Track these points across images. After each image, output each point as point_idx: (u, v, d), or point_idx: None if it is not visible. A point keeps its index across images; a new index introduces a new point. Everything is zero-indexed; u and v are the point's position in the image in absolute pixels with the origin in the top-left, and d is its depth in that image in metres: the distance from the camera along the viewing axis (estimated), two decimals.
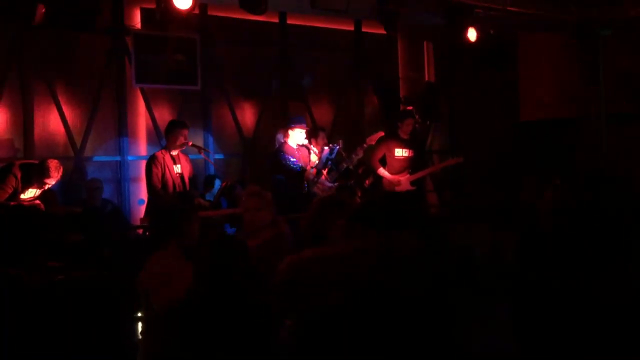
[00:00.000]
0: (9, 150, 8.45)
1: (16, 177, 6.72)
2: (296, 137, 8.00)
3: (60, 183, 8.30)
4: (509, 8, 9.35)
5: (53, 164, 6.79)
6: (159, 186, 7.33)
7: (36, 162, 7.06)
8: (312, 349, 3.00)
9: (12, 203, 6.74)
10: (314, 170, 8.09)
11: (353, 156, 8.49)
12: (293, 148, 7.99)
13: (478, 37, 9.39)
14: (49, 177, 6.77)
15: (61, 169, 6.88)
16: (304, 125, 8.16)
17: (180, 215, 4.13)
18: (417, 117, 10.66)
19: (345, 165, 8.42)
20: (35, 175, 6.79)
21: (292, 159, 7.87)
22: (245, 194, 5.00)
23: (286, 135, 8.01)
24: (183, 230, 4.08)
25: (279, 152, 7.97)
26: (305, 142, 8.12)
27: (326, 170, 8.35)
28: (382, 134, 8.80)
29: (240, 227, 7.60)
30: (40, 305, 3.14)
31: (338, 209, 3.81)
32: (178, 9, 7.09)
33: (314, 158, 8.31)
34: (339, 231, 3.50)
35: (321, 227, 3.79)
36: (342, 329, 2.85)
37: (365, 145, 8.72)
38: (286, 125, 8.16)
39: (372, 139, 8.70)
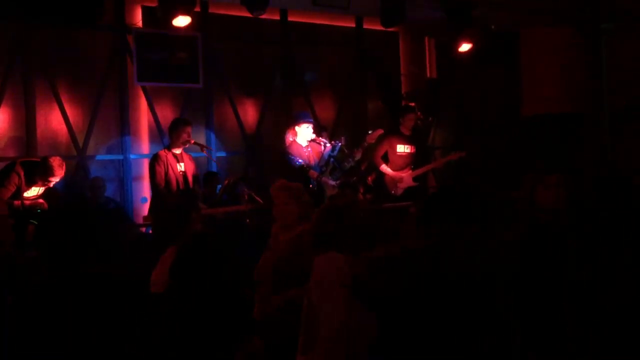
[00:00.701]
0: (12, 149, 8.45)
1: (19, 176, 6.71)
2: (304, 133, 7.95)
3: (63, 182, 8.33)
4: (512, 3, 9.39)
5: (56, 161, 6.77)
6: (162, 185, 7.33)
7: (38, 160, 7.05)
8: None
9: (16, 202, 6.74)
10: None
11: (354, 155, 8.48)
12: (301, 146, 7.93)
13: (475, 41, 9.44)
14: (53, 175, 6.76)
15: (64, 165, 6.87)
16: (310, 120, 8.12)
17: (183, 218, 4.09)
18: (419, 113, 10.66)
19: (347, 165, 8.40)
20: (38, 174, 6.78)
21: (296, 159, 7.82)
22: (273, 188, 4.97)
23: (294, 134, 7.95)
24: (186, 232, 4.05)
25: (284, 153, 7.91)
26: (314, 136, 8.06)
27: (329, 168, 8.33)
28: (381, 131, 8.78)
29: (246, 224, 7.66)
30: (44, 302, 3.12)
31: (328, 216, 3.83)
32: (177, 26, 7.88)
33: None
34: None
35: (321, 234, 3.82)
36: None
37: (365, 143, 8.72)
38: (292, 123, 8.09)
39: (372, 137, 8.69)
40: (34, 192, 6.87)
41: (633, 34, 10.11)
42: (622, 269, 2.92)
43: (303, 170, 7.78)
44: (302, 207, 4.74)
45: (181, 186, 7.43)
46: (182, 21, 7.95)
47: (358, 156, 8.59)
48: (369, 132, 8.79)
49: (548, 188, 3.84)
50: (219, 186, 8.79)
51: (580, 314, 2.87)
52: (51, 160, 6.75)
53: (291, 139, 7.93)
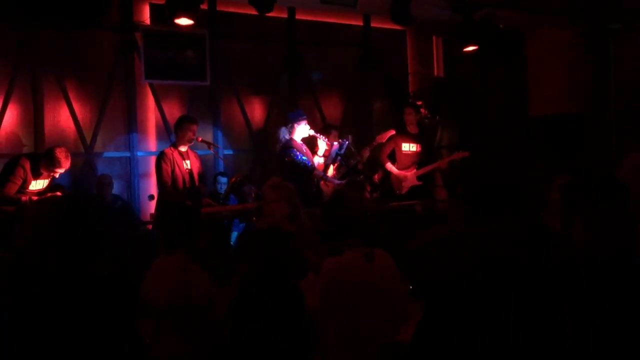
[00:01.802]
0: (20, 147, 8.49)
1: (24, 169, 6.71)
2: (302, 130, 7.95)
3: (70, 179, 8.37)
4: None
5: (62, 152, 6.77)
6: (169, 183, 7.34)
7: (41, 153, 7.07)
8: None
9: (23, 198, 6.74)
10: (320, 166, 8.06)
11: (363, 154, 8.46)
12: (299, 143, 7.95)
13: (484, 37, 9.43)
14: (59, 165, 6.76)
15: (69, 156, 6.88)
16: (306, 117, 8.12)
17: (192, 220, 4.07)
18: (426, 112, 10.65)
19: (353, 162, 8.39)
20: (44, 165, 6.78)
21: (301, 155, 7.82)
22: (265, 186, 4.97)
23: (292, 132, 7.94)
24: (193, 235, 4.04)
25: (287, 148, 7.89)
26: (311, 132, 8.04)
27: (335, 165, 8.32)
28: (392, 132, 8.77)
29: (251, 222, 7.67)
30: (45, 300, 3.12)
31: (334, 206, 3.89)
32: (181, 25, 8.06)
33: (322, 145, 8.27)
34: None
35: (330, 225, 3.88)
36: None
37: (374, 143, 8.68)
38: (290, 122, 8.04)
39: (383, 137, 8.67)
40: (39, 185, 6.87)
41: (635, 33, 10.09)
42: (623, 269, 2.92)
43: (307, 170, 7.77)
44: (292, 208, 4.74)
45: (187, 184, 7.44)
46: (185, 21, 8.07)
47: (367, 155, 8.58)
48: (381, 133, 8.78)
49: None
50: (224, 183, 8.82)
51: (580, 314, 2.87)
52: (57, 151, 6.76)
53: (288, 137, 7.89)
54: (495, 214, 3.03)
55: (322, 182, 8.05)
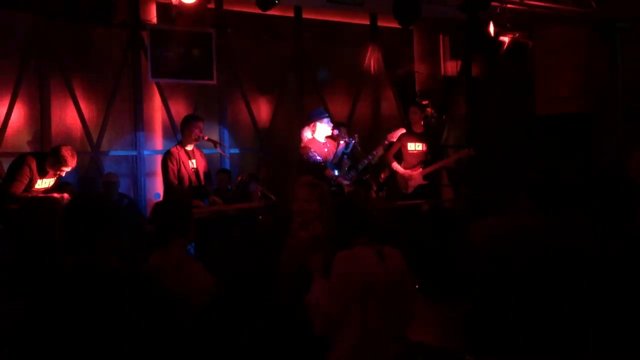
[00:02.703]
0: (27, 145, 8.52)
1: (30, 168, 6.70)
2: (324, 129, 7.93)
3: (77, 177, 8.39)
4: (526, 1, 9.32)
5: (68, 151, 6.77)
6: (176, 182, 7.35)
7: (46, 152, 7.08)
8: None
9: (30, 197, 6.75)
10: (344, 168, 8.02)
11: (374, 153, 8.45)
12: (320, 142, 7.92)
13: (496, 32, 9.37)
14: (65, 164, 6.76)
15: (76, 155, 6.87)
16: (327, 116, 8.12)
17: (182, 214, 4.06)
18: (432, 111, 10.63)
19: (366, 162, 8.35)
20: (50, 163, 6.78)
21: (316, 155, 7.81)
22: (297, 184, 4.98)
23: (313, 131, 7.93)
24: (189, 227, 4.04)
25: (304, 148, 7.89)
26: (335, 132, 8.03)
27: (343, 167, 8.30)
28: (402, 130, 8.77)
29: (258, 221, 7.68)
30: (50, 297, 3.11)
31: (347, 209, 3.89)
32: (187, 3, 7.82)
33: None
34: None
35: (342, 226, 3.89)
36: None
37: (385, 141, 8.68)
38: (311, 119, 8.04)
39: (393, 136, 8.66)
40: (45, 184, 6.86)
41: (635, 33, 10.06)
42: (623, 269, 2.92)
43: (319, 168, 7.75)
44: (323, 207, 4.74)
45: (194, 182, 7.45)
46: None
47: (381, 151, 8.56)
48: (391, 132, 8.76)
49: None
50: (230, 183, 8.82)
51: (580, 313, 2.87)
52: (63, 149, 6.76)
53: (310, 136, 7.90)
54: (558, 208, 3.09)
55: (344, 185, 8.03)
